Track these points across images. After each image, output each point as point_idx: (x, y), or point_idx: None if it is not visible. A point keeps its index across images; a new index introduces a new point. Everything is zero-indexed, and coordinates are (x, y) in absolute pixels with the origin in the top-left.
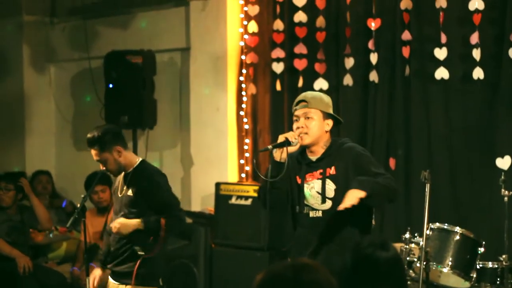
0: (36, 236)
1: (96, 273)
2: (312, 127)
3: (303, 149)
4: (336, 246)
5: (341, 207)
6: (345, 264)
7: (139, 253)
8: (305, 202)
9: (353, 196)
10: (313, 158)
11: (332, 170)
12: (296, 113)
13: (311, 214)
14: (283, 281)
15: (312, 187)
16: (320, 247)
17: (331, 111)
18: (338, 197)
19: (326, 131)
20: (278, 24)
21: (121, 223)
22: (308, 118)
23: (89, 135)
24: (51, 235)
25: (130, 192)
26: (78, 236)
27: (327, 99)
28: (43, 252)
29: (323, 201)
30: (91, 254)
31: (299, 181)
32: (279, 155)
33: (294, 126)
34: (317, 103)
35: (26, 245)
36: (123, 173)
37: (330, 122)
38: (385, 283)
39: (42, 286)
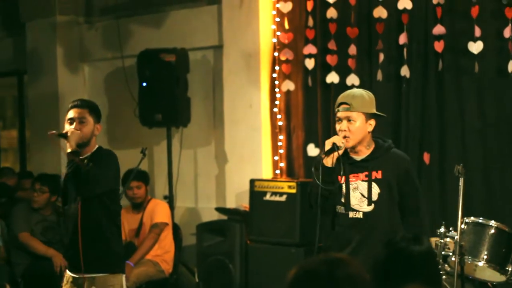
0: None
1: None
2: (354, 130)
3: (346, 149)
4: (376, 247)
5: None
6: (378, 258)
7: None
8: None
9: None
10: (357, 158)
11: (378, 174)
12: (338, 115)
13: (351, 214)
14: (318, 277)
15: (355, 188)
16: (360, 247)
17: (373, 109)
18: (380, 201)
19: (369, 132)
20: (310, 21)
21: None
22: (350, 121)
23: (82, 99)
24: None
25: None
26: None
27: (368, 97)
28: None
29: (369, 204)
30: (127, 251)
31: (341, 180)
32: (330, 161)
33: (337, 127)
34: (359, 106)
35: (61, 244)
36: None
37: (372, 122)
38: (418, 277)
39: None
